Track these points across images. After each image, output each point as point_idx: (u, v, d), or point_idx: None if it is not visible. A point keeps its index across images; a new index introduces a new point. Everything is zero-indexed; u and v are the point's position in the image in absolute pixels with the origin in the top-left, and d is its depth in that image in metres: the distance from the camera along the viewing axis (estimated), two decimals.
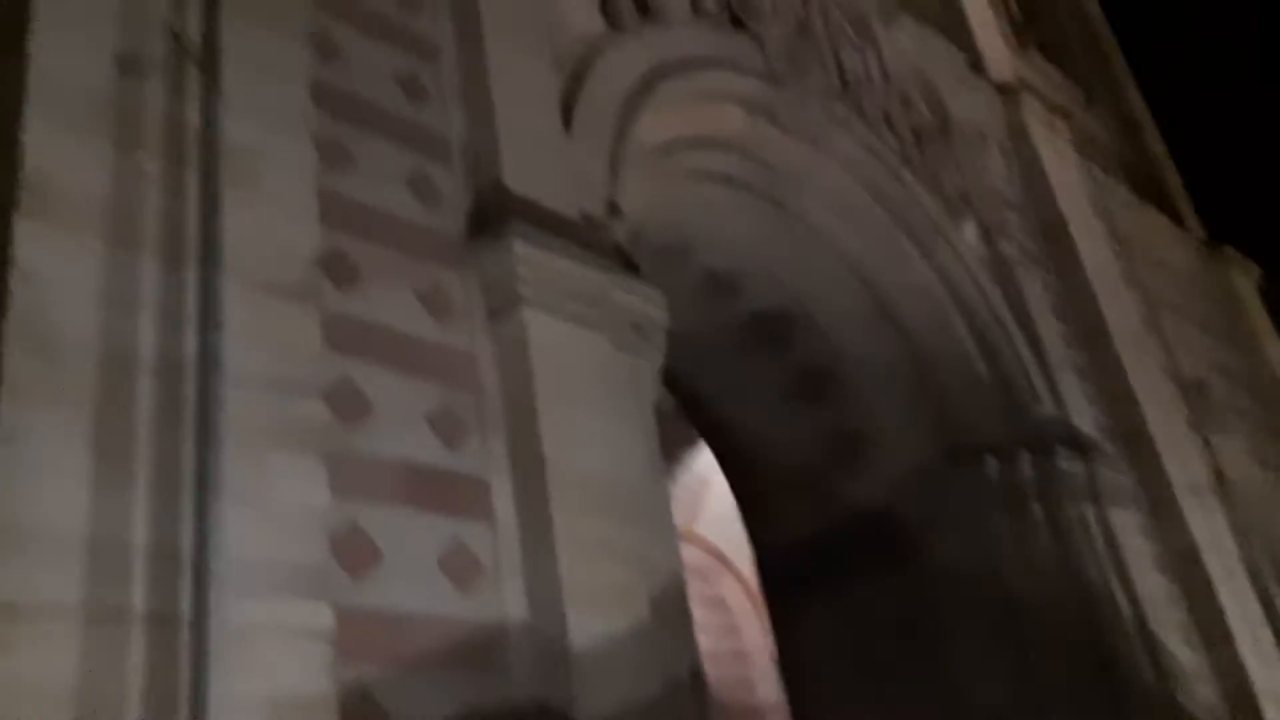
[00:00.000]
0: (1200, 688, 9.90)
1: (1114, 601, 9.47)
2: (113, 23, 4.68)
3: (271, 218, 4.82)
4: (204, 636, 3.80)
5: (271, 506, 4.25)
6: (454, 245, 5.99)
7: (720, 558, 18.73)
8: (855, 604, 10.42)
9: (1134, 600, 9.56)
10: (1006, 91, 13.22)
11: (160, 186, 4.52)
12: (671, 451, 15.48)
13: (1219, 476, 12.69)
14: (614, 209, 6.99)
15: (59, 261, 4.12)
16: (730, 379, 11.15)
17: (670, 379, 8.04)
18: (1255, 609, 11.36)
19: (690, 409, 11.96)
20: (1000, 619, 9.60)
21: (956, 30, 13.27)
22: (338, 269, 5.26)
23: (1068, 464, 9.82)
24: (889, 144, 10.48)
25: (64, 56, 4.47)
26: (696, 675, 5.88)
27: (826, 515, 10.74)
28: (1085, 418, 10.69)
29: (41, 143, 4.25)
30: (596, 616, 5.21)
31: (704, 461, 16.81)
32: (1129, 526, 10.23)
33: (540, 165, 6.52)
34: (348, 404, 4.95)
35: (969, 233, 10.90)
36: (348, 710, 4.26)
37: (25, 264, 4.01)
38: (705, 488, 17.36)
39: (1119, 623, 9.37)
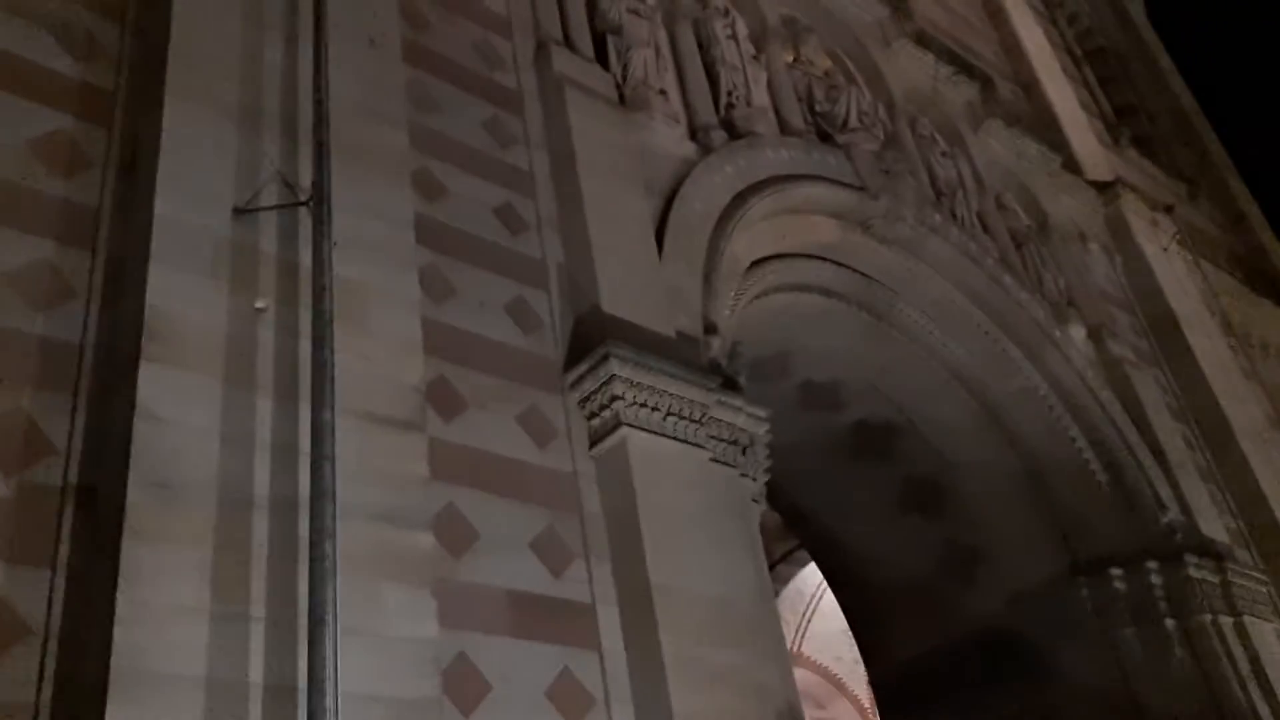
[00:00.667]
0: None
1: (1258, 718, 8.87)
2: (229, 173, 4.93)
3: (379, 351, 4.94)
4: None
5: (383, 640, 4.25)
6: (554, 369, 6.08)
7: (831, 679, 18.15)
8: None
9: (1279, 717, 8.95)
10: (1104, 189, 13.04)
11: (274, 326, 4.68)
12: (775, 568, 15.21)
13: None
14: (710, 326, 7.03)
15: (178, 401, 4.26)
16: (835, 492, 10.95)
17: (773, 493, 7.91)
18: None
19: (795, 524, 11.76)
20: None
21: (1048, 131, 13.22)
22: (442, 398, 5.37)
23: (1198, 572, 9.34)
24: (987, 248, 10.38)
25: (184, 206, 4.70)
26: None
27: (945, 632, 10.35)
28: (1214, 523, 10.19)
29: (162, 288, 4.43)
30: None
31: (808, 578, 16.48)
32: (1269, 637, 9.63)
33: (636, 287, 6.60)
34: (454, 533, 4.98)
35: (1076, 334, 10.65)
36: None
37: (147, 404, 4.15)
38: (812, 606, 16.95)
39: None
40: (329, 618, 3.89)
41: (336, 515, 4.12)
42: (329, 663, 3.80)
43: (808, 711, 8.60)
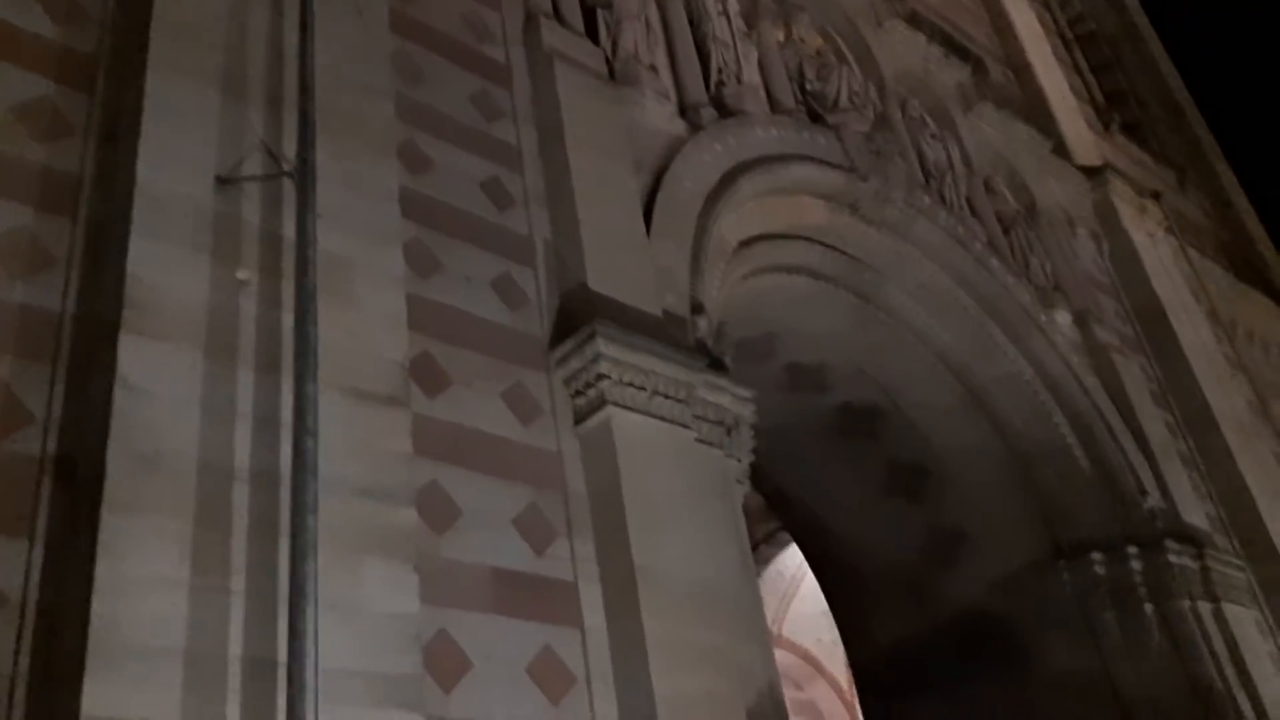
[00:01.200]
0: None
1: (1235, 704, 8.94)
2: (213, 142, 4.86)
3: (363, 326, 4.89)
4: None
5: (365, 616, 4.22)
6: (539, 346, 6.04)
7: (811, 660, 18.21)
8: (959, 708, 9.99)
9: (1256, 703, 9.01)
10: (1093, 175, 13.03)
11: (256, 298, 4.63)
12: (756, 549, 15.23)
13: None
14: (697, 306, 6.99)
15: (159, 373, 4.21)
16: (819, 475, 10.96)
17: (757, 475, 7.90)
18: None
19: (778, 506, 11.77)
20: None
21: (1039, 115, 13.19)
22: (427, 374, 5.33)
23: (1178, 559, 9.38)
24: (975, 232, 10.36)
25: (166, 174, 4.63)
26: None
27: (926, 616, 10.40)
28: (1194, 510, 10.24)
29: (143, 257, 4.38)
30: None
31: (789, 560, 16.52)
32: (1247, 624, 9.70)
33: (623, 265, 6.56)
34: (437, 510, 4.95)
35: (1062, 320, 10.65)
36: None
37: (127, 375, 4.10)
38: (792, 587, 17.00)
39: None
40: (309, 592, 3.86)
41: (318, 489, 4.09)
42: (309, 637, 3.77)
43: (787, 693, 8.62)
